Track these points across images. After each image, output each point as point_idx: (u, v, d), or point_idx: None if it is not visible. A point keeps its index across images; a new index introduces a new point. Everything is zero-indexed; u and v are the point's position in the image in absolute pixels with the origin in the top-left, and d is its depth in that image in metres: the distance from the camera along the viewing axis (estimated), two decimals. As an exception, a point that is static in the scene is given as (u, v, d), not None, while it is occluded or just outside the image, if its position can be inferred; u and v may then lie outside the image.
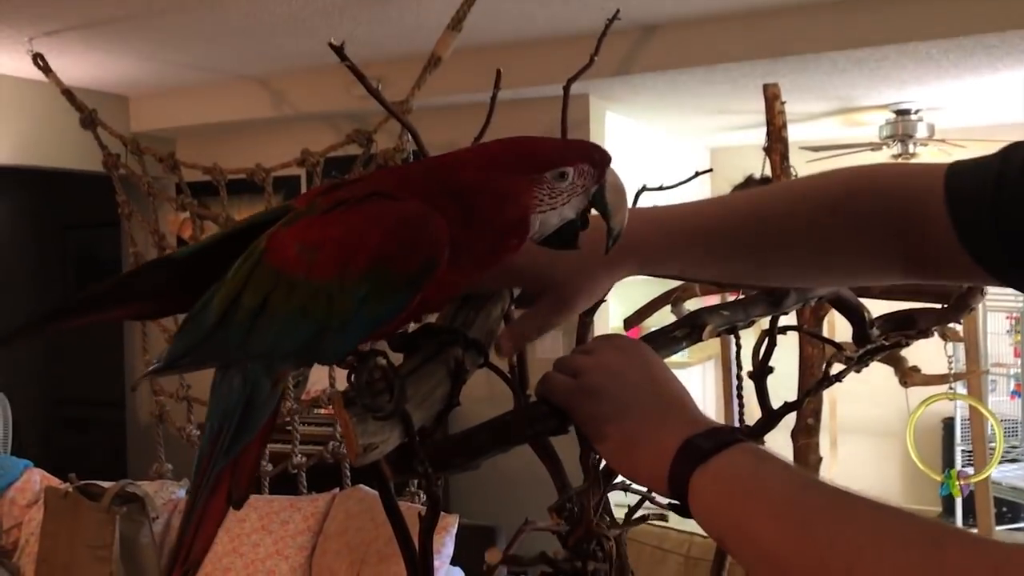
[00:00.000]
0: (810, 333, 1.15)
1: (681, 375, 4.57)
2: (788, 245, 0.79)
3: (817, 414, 2.70)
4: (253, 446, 0.73)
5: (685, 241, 0.79)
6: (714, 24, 3.64)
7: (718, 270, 0.86)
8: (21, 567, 3.36)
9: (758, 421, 1.04)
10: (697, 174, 1.35)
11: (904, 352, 2.78)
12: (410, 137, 3.48)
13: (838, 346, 1.11)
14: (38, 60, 3.69)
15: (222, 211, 3.57)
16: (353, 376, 0.74)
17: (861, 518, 0.55)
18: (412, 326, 0.83)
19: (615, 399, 0.70)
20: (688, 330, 0.93)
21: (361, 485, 3.31)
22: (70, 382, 6.59)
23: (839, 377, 1.11)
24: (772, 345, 1.05)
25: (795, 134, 4.17)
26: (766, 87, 2.73)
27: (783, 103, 2.71)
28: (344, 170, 3.45)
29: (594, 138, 4.29)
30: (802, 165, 4.05)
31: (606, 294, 0.82)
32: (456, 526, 2.94)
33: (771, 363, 1.04)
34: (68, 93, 3.71)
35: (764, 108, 2.74)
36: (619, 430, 0.69)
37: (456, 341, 0.78)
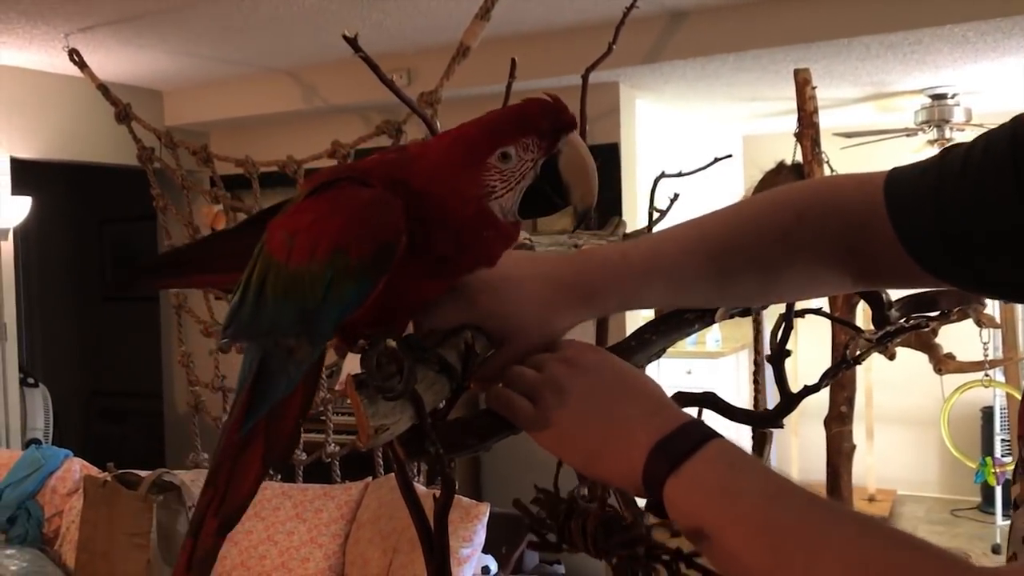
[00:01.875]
0: (827, 315, 1.14)
1: (714, 365, 4.54)
2: (740, 272, 0.81)
3: (850, 402, 2.68)
4: (289, 413, 0.75)
5: (643, 281, 0.79)
6: (743, 10, 3.61)
7: (679, 300, 0.87)
8: (63, 554, 3.43)
9: (777, 405, 1.04)
10: (716, 160, 1.35)
11: (939, 339, 2.74)
12: (439, 126, 3.49)
13: (858, 329, 1.10)
14: (74, 56, 3.75)
15: (255, 203, 3.61)
16: (363, 359, 0.76)
17: (835, 541, 0.56)
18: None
19: (575, 404, 0.69)
20: (700, 313, 0.93)
21: (394, 474, 3.33)
22: (108, 374, 6.71)
23: (859, 359, 1.10)
24: (788, 328, 1.04)
25: (828, 120, 4.13)
26: (797, 72, 2.70)
27: (814, 88, 2.68)
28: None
29: (624, 126, 4.27)
30: (835, 151, 4.01)
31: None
32: (488, 514, 2.96)
33: (805, 350, 1.04)
34: (103, 88, 3.77)
35: (795, 92, 2.71)
36: (585, 431, 0.69)
37: (463, 329, 0.78)
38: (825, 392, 3.01)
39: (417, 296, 0.74)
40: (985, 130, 0.74)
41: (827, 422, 2.72)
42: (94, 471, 3.53)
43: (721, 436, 0.64)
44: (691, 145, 5.30)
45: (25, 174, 4.53)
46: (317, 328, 0.71)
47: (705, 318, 0.93)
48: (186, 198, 3.79)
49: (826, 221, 0.78)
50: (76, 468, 3.66)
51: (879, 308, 1.11)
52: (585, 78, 1.33)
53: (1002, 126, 0.71)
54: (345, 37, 0.96)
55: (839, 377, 2.26)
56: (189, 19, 3.68)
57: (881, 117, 5.29)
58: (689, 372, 5.29)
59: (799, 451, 5.50)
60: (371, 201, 0.69)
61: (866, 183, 0.78)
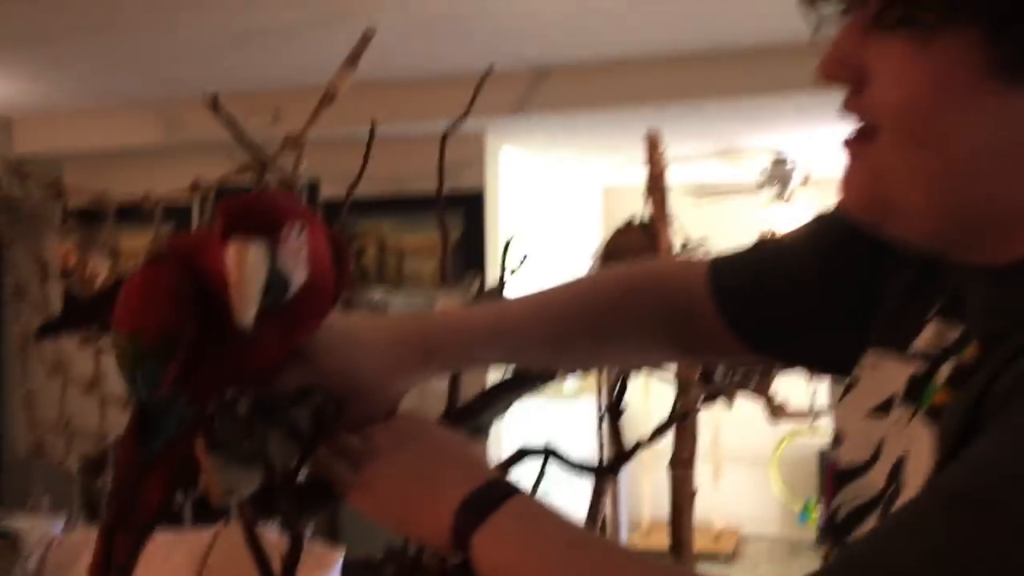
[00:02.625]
0: (658, 373, 1.24)
1: (572, 405, 4.64)
2: (572, 339, 0.88)
3: (692, 447, 2.82)
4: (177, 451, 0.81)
5: (485, 341, 0.85)
6: (602, 70, 3.80)
7: (518, 360, 0.95)
8: None
9: (611, 458, 1.12)
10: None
11: (775, 390, 2.94)
12: (305, 165, 3.49)
13: (688, 385, 1.20)
14: (-84, 80, 3.58)
15: (109, 238, 3.52)
16: (216, 423, 0.79)
17: None
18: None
19: (391, 469, 0.73)
20: (540, 374, 1.01)
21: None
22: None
23: (685, 415, 1.20)
24: (623, 388, 1.13)
25: (680, 175, 4.37)
26: (648, 134, 2.87)
27: (662, 151, 2.85)
28: (237, 200, 3.45)
29: (489, 175, 4.39)
30: (686, 207, 4.24)
31: (407, 391, 0.85)
32: (340, 563, 2.94)
33: (657, 396, 1.12)
34: (-53, 115, 3.61)
35: (646, 152, 2.88)
36: (401, 493, 0.72)
37: (314, 390, 0.82)
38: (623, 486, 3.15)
39: (248, 362, 0.75)
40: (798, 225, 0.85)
41: (671, 465, 2.86)
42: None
43: (523, 492, 0.68)
44: (555, 194, 5.47)
45: None
46: (143, 391, 0.75)
47: (547, 378, 1.01)
48: (35, 232, 3.65)
49: (653, 300, 0.87)
50: (-100, 516, 3.43)
51: (707, 366, 1.22)
52: (443, 146, 1.41)
53: (807, 223, 0.82)
54: (209, 97, 0.99)
55: (684, 423, 2.39)
56: (43, 47, 3.58)
57: (730, 172, 5.61)
58: (545, 413, 5.41)
59: (652, 490, 5.69)
60: (164, 282, 0.70)
61: (691, 270, 0.88)
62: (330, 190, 4.14)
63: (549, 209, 5.29)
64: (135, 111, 4.61)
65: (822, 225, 0.80)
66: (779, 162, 4.84)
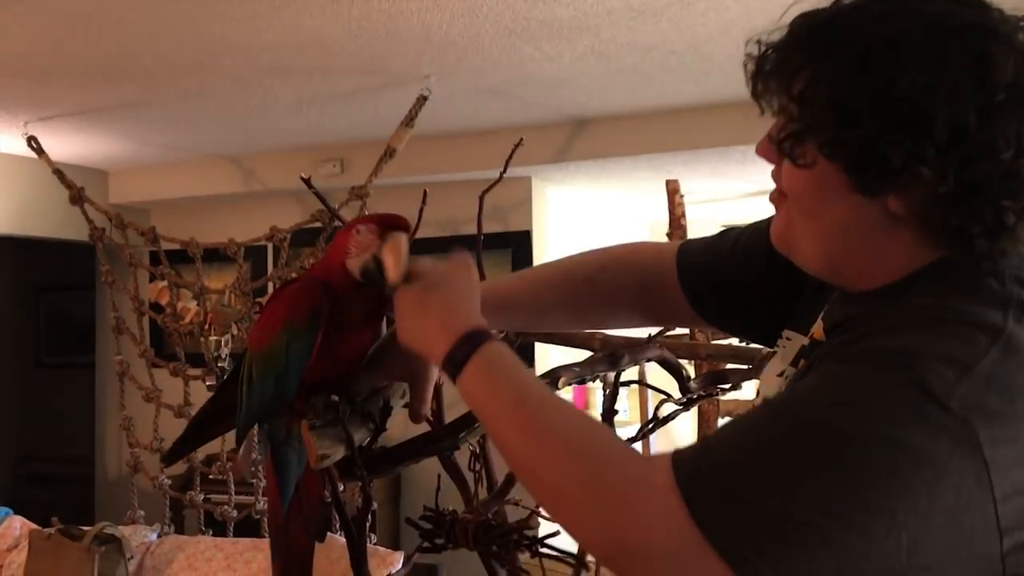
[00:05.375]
0: (645, 384, 1.56)
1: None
2: (554, 305, 1.15)
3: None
4: (310, 489, 1.13)
5: (496, 310, 1.08)
6: (635, 120, 4.15)
7: (516, 324, 1.23)
8: (1, 607, 3.64)
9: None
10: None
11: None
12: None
13: (667, 394, 1.53)
14: (32, 143, 4.08)
15: (196, 279, 3.95)
16: (312, 406, 1.16)
17: (560, 420, 0.83)
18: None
19: (423, 307, 0.97)
20: (547, 380, 1.35)
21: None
22: (39, 439, 6.81)
23: (668, 419, 1.52)
24: (615, 394, 1.47)
25: (718, 212, 4.65)
26: (668, 183, 3.19)
27: (682, 196, 3.17)
28: (310, 241, 3.87)
29: (536, 213, 4.76)
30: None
31: None
32: (400, 563, 3.28)
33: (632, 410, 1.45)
34: (59, 173, 4.10)
35: (666, 199, 3.21)
36: (425, 321, 0.96)
37: (382, 389, 1.18)
38: (654, 444, 3.43)
39: (343, 353, 1.09)
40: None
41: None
42: (34, 527, 3.76)
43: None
44: (600, 231, 5.80)
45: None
46: (288, 385, 1.08)
47: (550, 385, 1.35)
48: (133, 274, 4.11)
49: (624, 273, 1.13)
50: (16, 525, 3.88)
51: (681, 381, 1.55)
52: (481, 200, 1.77)
53: (760, 220, 1.05)
54: (303, 179, 1.36)
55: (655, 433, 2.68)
56: (140, 112, 4.05)
57: (769, 209, 5.86)
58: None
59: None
60: (302, 286, 1.08)
61: (663, 250, 1.14)
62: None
63: (595, 245, 5.60)
64: (215, 163, 5.09)
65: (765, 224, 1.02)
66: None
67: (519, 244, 4.68)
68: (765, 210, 0.99)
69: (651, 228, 6.63)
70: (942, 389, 0.71)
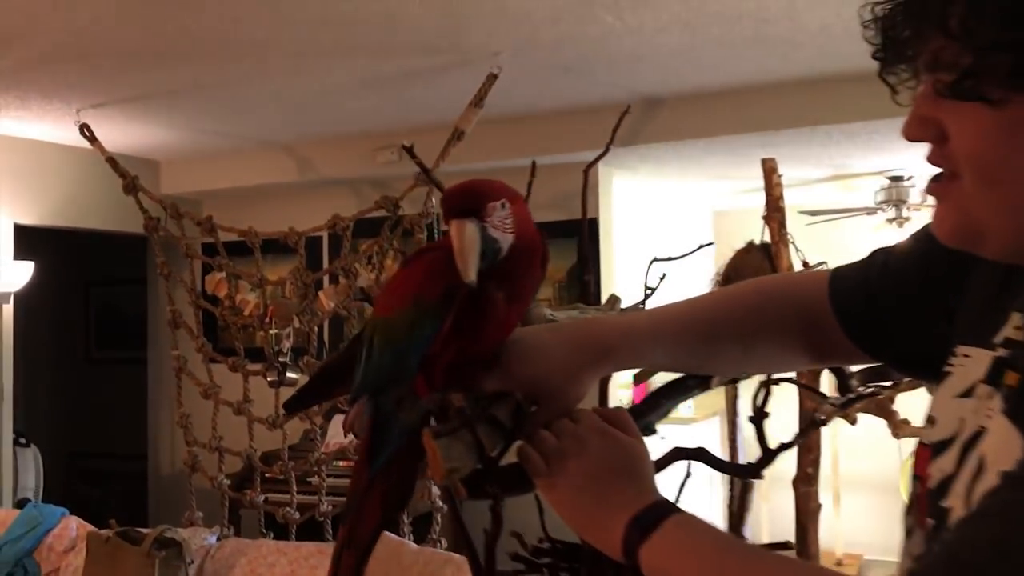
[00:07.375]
0: (800, 384, 1.35)
1: (687, 430, 4.73)
2: (724, 343, 1.00)
3: (816, 463, 2.89)
4: (399, 469, 0.97)
5: (648, 345, 0.98)
6: (714, 99, 3.91)
7: (674, 365, 1.06)
8: (58, 611, 3.51)
9: (758, 458, 1.24)
10: (701, 247, 1.57)
11: (899, 405, 2.97)
12: (435, 202, 3.70)
13: (823, 395, 1.31)
14: (84, 131, 3.95)
15: (256, 270, 3.79)
16: (435, 418, 0.97)
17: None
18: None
19: (574, 480, 0.87)
20: (699, 379, 1.14)
21: (385, 532, 3.47)
22: (90, 436, 6.75)
23: (825, 421, 1.31)
24: (768, 393, 1.25)
25: (793, 198, 4.42)
26: (764, 161, 2.96)
27: (779, 176, 2.94)
28: (373, 232, 3.67)
29: (602, 202, 4.54)
30: (800, 228, 4.28)
31: (588, 389, 0.99)
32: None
33: (774, 416, 1.24)
34: (112, 161, 3.97)
35: (763, 178, 2.97)
36: (580, 502, 0.86)
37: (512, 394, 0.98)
38: (793, 457, 3.23)
39: (483, 338, 0.91)
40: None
41: (794, 483, 2.92)
42: (90, 529, 3.63)
43: (682, 511, 0.81)
44: (666, 219, 5.58)
45: (16, 239, 4.67)
46: (408, 363, 0.91)
47: (704, 384, 1.14)
48: (190, 266, 3.96)
49: (788, 309, 0.99)
50: (73, 526, 3.75)
51: (842, 377, 1.33)
52: (586, 173, 1.56)
53: (915, 233, 0.92)
54: (404, 147, 1.17)
55: (806, 440, 2.47)
56: (195, 98, 3.91)
57: (843, 196, 5.61)
58: (663, 438, 5.48)
59: (769, 515, 5.69)
60: (440, 259, 0.88)
61: (815, 282, 0.99)
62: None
63: (661, 232, 5.39)
64: (269, 152, 4.94)
65: (926, 232, 0.89)
66: (895, 184, 4.84)
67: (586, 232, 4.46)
68: (845, 197, 0.78)
69: (716, 216, 6.40)
70: None
